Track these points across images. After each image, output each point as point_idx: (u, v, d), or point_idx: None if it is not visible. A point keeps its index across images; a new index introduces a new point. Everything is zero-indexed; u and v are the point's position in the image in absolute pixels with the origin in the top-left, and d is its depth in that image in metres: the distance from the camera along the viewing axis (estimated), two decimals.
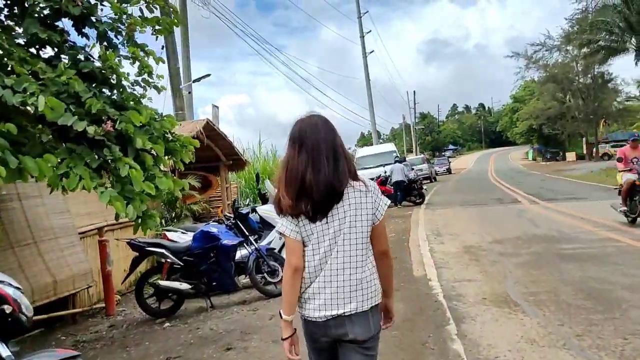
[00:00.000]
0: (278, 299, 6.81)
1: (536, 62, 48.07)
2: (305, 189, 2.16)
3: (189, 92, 15.10)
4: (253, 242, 6.92)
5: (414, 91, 73.03)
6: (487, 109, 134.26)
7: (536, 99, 59.47)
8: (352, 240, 2.20)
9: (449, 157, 69.07)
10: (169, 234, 7.98)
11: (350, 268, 2.21)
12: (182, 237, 7.71)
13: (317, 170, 2.16)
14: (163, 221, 9.63)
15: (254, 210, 7.90)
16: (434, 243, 10.10)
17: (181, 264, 6.68)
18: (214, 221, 7.04)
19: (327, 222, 2.19)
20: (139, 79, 5.47)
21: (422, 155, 48.17)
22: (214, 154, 13.11)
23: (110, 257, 7.26)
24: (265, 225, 7.72)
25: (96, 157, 4.62)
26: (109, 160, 4.68)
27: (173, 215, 9.93)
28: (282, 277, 6.51)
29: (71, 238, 7.05)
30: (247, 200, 16.65)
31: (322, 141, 2.23)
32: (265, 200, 8.08)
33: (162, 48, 15.10)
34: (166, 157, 5.83)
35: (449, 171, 48.63)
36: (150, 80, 5.56)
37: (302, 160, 2.19)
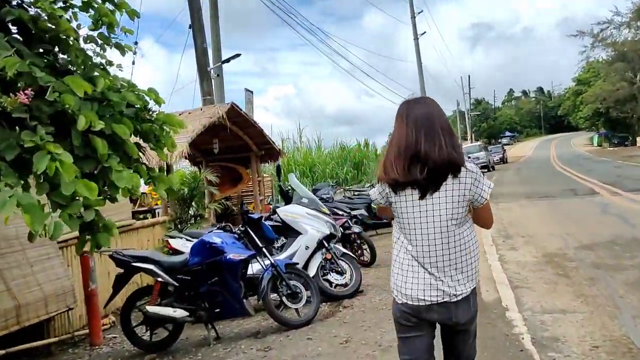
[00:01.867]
0: (299, 331, 5.16)
1: (603, 41, 44.28)
2: (420, 159, 2.14)
3: (218, 75, 13.60)
4: (268, 255, 5.28)
5: (469, 75, 69.49)
6: (546, 93, 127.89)
7: (602, 80, 55.14)
8: (454, 220, 2.21)
9: (504, 144, 65.09)
10: (173, 242, 6.46)
11: (456, 251, 2.22)
12: (187, 246, 6.16)
13: (431, 141, 2.15)
14: (174, 224, 8.16)
15: (274, 211, 6.27)
16: (504, 249, 8.19)
17: (176, 284, 5.14)
18: (218, 228, 5.46)
19: (433, 199, 2.19)
20: (95, 33, 3.91)
21: (478, 143, 45.14)
22: (244, 143, 11.56)
23: (95, 273, 5.80)
24: (289, 232, 6.10)
25: (15, 143, 3.10)
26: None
27: (190, 215, 8.43)
28: (305, 301, 5.40)
29: (46, 249, 5.63)
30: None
31: (432, 115, 2.23)
32: (288, 199, 6.45)
33: (190, 27, 13.78)
34: (147, 145, 4.31)
35: (503, 160, 43.18)
36: (113, 35, 3.99)
37: (412, 131, 2.18)
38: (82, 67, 3.82)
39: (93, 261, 5.77)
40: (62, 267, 5.77)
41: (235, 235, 5.30)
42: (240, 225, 5.38)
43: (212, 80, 13.55)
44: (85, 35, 3.84)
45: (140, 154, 4.05)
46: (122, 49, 4.03)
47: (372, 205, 12.25)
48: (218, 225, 5.41)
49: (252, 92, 14.79)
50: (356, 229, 7.95)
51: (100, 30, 3.91)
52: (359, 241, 8.03)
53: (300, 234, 6.06)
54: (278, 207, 6.45)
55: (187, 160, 13.15)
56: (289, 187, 6.53)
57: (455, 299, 2.20)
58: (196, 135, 8.73)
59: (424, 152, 2.12)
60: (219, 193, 11.87)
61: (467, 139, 65.64)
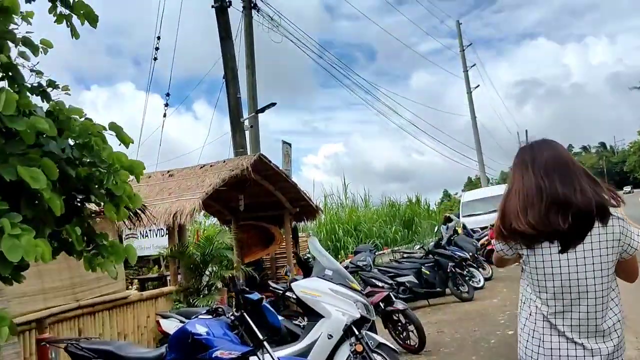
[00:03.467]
0: None
1: None
2: (560, 205, 1.91)
3: (251, 126, 12.62)
4: (270, 351, 3.84)
5: (526, 130, 66.72)
6: (609, 148, 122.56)
7: None
8: (604, 277, 1.95)
9: None
10: (164, 323, 5.14)
11: (604, 315, 1.95)
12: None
13: (569, 185, 1.93)
14: (184, 295, 6.87)
15: (290, 287, 4.83)
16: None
17: None
18: (208, 311, 4.10)
19: (577, 252, 1.94)
20: None
21: None
22: (276, 199, 10.32)
23: None
24: (308, 315, 4.66)
25: None
26: None
27: (203, 284, 7.13)
28: None
29: None
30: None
31: (563, 157, 2.02)
32: (308, 271, 5.00)
33: (223, 77, 12.98)
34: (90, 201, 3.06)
35: None
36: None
37: (542, 177, 1.98)
38: None
39: (53, 352, 4.49)
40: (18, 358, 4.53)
41: (229, 322, 3.92)
42: (234, 309, 4.00)
43: (247, 131, 12.58)
44: None
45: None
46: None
47: (422, 271, 10.63)
48: (208, 308, 4.06)
49: (289, 144, 13.72)
50: (400, 305, 6.41)
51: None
52: (404, 320, 6.46)
53: (321, 316, 4.62)
54: (296, 279, 5.05)
55: (216, 219, 12.05)
56: (308, 256, 5.15)
57: None
58: (213, 190, 7.56)
59: (563, 197, 1.90)
60: (230, 256, 10.66)
61: None
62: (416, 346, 6.37)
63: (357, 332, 4.60)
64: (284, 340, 4.73)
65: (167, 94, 14.50)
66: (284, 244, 10.81)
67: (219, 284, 7.09)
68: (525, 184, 2.00)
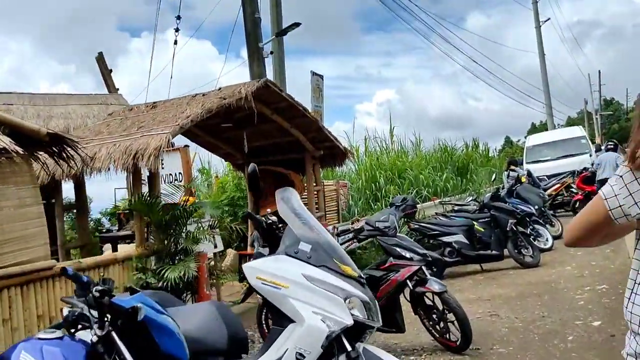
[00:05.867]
0: None
1: None
2: None
3: (271, 52, 10.60)
4: None
5: (599, 71, 60.68)
6: None
7: None
8: None
9: None
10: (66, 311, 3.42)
11: None
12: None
13: None
14: (147, 263, 5.19)
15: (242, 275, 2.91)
16: None
17: None
18: (62, 322, 2.35)
19: None
20: None
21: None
22: (294, 140, 8.42)
23: None
24: (273, 315, 2.81)
25: None
26: None
27: (176, 248, 5.41)
28: None
29: None
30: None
31: None
32: (273, 242, 3.07)
33: None
34: None
35: None
36: None
37: None
38: None
39: None
40: None
41: (88, 345, 2.14)
42: (96, 326, 2.20)
43: (267, 59, 10.60)
44: None
45: None
46: None
47: (475, 228, 8.57)
48: (67, 314, 2.30)
49: (321, 76, 11.67)
50: (435, 284, 4.46)
51: None
52: (441, 307, 4.54)
53: (290, 320, 2.77)
54: (262, 254, 3.16)
55: (228, 163, 10.32)
56: (270, 220, 3.16)
57: None
58: (191, 123, 5.74)
59: None
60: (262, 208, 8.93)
61: (594, 142, 57.50)
62: (458, 343, 4.46)
63: (349, 347, 2.73)
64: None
65: (178, 17, 12.41)
66: (305, 192, 8.97)
67: (202, 247, 5.35)
68: None
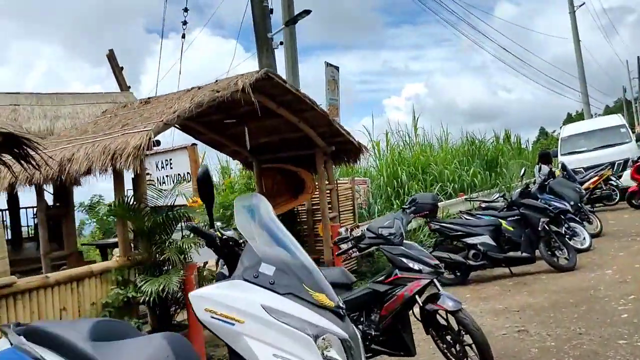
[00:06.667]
0: None
1: None
2: None
3: (281, 43, 10.01)
4: None
5: (638, 57, 58.02)
6: None
7: None
8: None
9: None
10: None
11: None
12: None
13: None
14: (131, 274, 4.66)
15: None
16: None
17: None
18: None
19: None
20: None
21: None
22: (304, 135, 7.81)
23: None
24: (230, 356, 2.23)
25: None
26: None
27: (162, 258, 4.86)
28: None
29: None
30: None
31: None
32: (230, 260, 2.48)
33: None
34: None
35: None
36: None
37: None
38: None
39: None
40: None
41: None
42: None
43: (278, 50, 10.02)
44: None
45: None
46: None
47: (503, 227, 7.83)
48: None
49: (337, 67, 10.99)
50: (449, 301, 3.80)
51: None
52: (456, 327, 3.87)
53: None
54: (223, 273, 2.55)
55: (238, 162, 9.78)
56: (227, 235, 2.53)
57: None
58: (178, 119, 5.19)
59: None
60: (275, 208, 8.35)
61: (634, 131, 55.09)
62: None
63: None
64: None
65: (185, 9, 11.85)
66: (317, 192, 8.36)
67: (189, 256, 4.80)
68: None
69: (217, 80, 6.39)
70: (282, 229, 2.56)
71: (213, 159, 14.41)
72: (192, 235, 4.91)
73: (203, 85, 6.35)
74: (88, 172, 4.82)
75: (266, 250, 2.36)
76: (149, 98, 6.67)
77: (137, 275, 4.79)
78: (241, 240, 2.53)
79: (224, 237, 2.49)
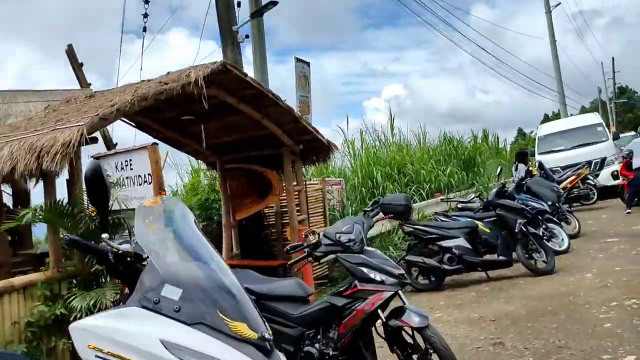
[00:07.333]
0: None
1: None
2: None
3: (247, 36, 9.51)
4: None
5: (612, 58, 58.74)
6: None
7: None
8: None
9: None
10: None
11: None
12: None
13: None
14: (61, 288, 4.12)
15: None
16: None
17: None
18: None
19: None
20: None
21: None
22: (270, 133, 7.31)
23: None
24: None
25: None
26: None
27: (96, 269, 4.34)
28: None
29: None
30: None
31: None
32: (131, 285, 2.02)
33: None
34: None
35: None
36: None
37: None
38: None
39: None
40: None
41: None
42: None
43: (243, 43, 9.52)
44: None
45: None
46: None
47: (480, 228, 7.45)
48: None
49: (307, 63, 10.52)
50: (415, 317, 3.35)
51: None
52: (423, 345, 3.42)
53: None
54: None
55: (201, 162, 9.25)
56: (119, 251, 2.06)
57: None
58: (117, 113, 4.65)
59: None
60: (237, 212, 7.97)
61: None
62: None
63: None
64: None
65: (146, 1, 11.10)
66: (284, 194, 7.88)
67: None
68: None
69: (168, 72, 5.87)
70: (201, 238, 2.08)
71: (183, 159, 13.78)
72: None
73: (152, 79, 5.83)
74: (12, 172, 4.26)
75: (173, 268, 1.88)
76: (95, 92, 6.12)
77: (71, 289, 4.26)
78: (145, 255, 2.04)
79: (120, 252, 2.00)
